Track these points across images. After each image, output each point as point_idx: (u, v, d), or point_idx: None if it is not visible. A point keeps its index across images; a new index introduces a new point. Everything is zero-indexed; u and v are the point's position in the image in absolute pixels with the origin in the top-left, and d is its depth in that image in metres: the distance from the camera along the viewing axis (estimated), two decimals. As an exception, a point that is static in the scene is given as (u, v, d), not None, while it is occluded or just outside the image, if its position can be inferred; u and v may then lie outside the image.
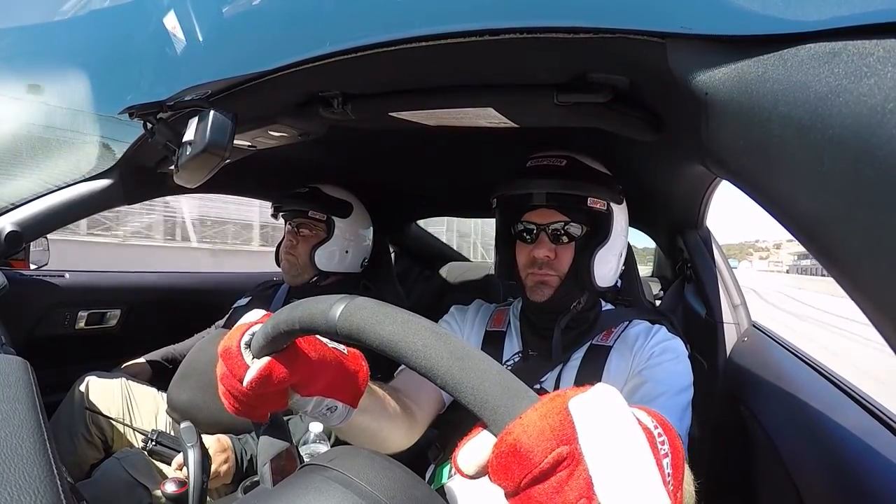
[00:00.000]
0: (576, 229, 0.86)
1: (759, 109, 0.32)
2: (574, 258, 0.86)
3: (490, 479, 0.29)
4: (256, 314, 0.50)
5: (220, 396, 0.48)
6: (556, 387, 0.84)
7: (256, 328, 0.46)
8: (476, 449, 0.30)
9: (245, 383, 0.45)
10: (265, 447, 0.50)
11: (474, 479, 0.31)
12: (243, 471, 1.02)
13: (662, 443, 0.29)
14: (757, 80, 0.32)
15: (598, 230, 0.87)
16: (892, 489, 0.56)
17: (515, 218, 0.89)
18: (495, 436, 0.29)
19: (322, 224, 1.40)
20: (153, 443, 1.01)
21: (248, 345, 0.46)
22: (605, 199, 0.85)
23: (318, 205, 1.39)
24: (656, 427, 0.30)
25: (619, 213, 0.88)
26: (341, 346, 0.54)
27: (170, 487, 0.80)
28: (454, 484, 0.81)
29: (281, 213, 1.45)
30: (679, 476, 0.29)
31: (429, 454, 0.93)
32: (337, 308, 0.37)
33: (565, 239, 0.86)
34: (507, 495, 0.29)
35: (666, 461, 0.28)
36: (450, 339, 0.33)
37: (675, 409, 0.73)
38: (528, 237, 0.87)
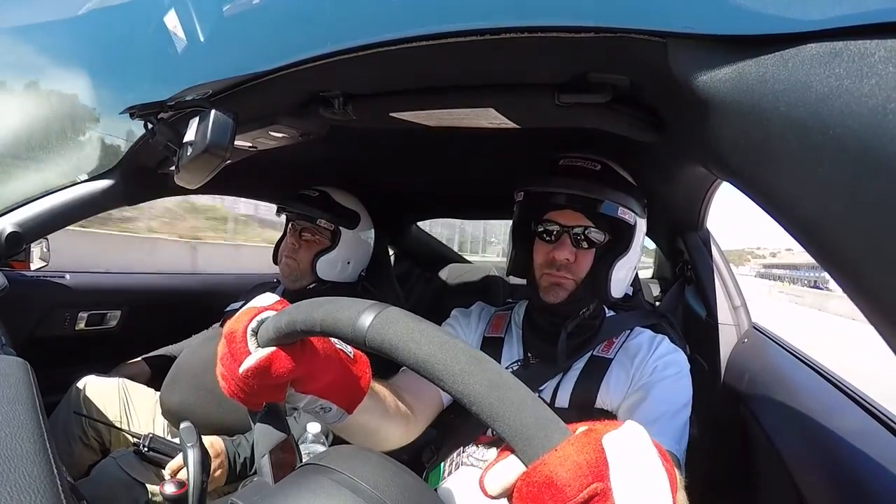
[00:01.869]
0: (598, 235, 0.85)
1: (759, 110, 0.32)
2: (592, 265, 0.85)
3: None
4: (269, 298, 0.48)
5: (217, 377, 0.47)
6: (554, 396, 0.83)
7: (267, 315, 0.45)
8: (504, 473, 0.31)
9: (241, 370, 0.43)
10: (262, 437, 0.49)
11: (495, 499, 0.32)
12: (237, 473, 1.02)
13: None
14: (758, 80, 0.32)
15: (620, 240, 0.86)
16: (891, 489, 0.56)
17: (538, 216, 0.88)
18: (525, 464, 0.30)
19: (328, 232, 1.36)
20: (145, 448, 0.98)
21: (255, 331, 0.45)
22: (633, 210, 0.84)
23: (329, 213, 1.35)
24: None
25: (641, 226, 0.88)
26: (348, 349, 0.53)
27: (169, 489, 0.79)
28: (445, 487, 0.81)
29: (285, 213, 1.41)
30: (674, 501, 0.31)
31: (423, 456, 0.93)
32: (366, 318, 0.36)
33: (586, 244, 0.85)
34: None
35: None
36: (487, 365, 0.33)
37: (675, 432, 0.73)
38: (548, 237, 0.86)
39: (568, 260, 0.84)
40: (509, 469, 0.30)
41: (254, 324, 0.45)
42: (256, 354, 0.43)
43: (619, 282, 0.86)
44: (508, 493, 0.31)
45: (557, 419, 0.31)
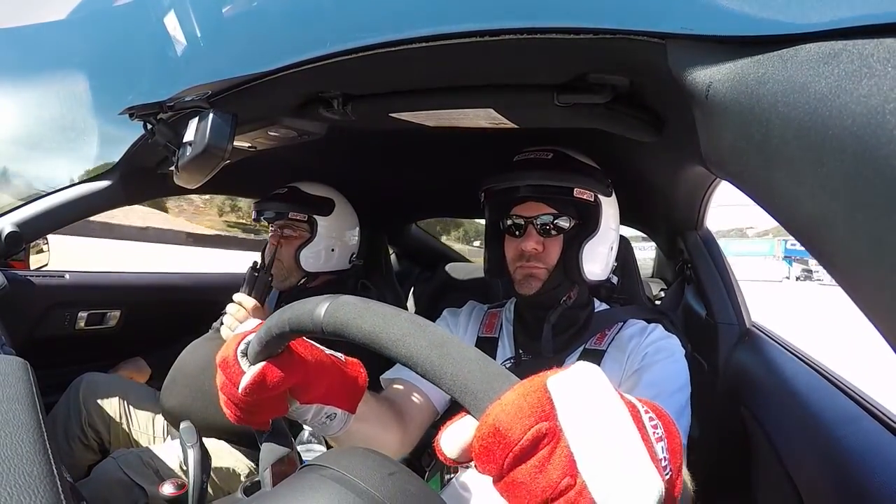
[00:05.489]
0: (564, 222, 0.85)
1: (758, 110, 0.32)
2: (563, 251, 0.86)
3: (476, 467, 0.29)
4: (251, 324, 0.51)
5: (221, 406, 0.49)
6: None
7: (252, 337, 0.47)
8: (458, 432, 0.30)
9: (240, 389, 0.45)
10: (267, 454, 0.50)
11: (458, 463, 0.32)
12: None
13: (655, 426, 0.29)
14: (757, 80, 0.32)
15: (587, 222, 0.86)
16: (891, 490, 0.56)
17: (504, 213, 0.89)
18: (477, 420, 0.29)
19: (304, 224, 1.35)
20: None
21: (245, 353, 0.47)
22: (591, 189, 0.84)
23: (298, 205, 1.34)
24: (647, 412, 0.29)
25: (609, 205, 0.88)
26: (339, 354, 0.55)
27: (168, 489, 0.79)
28: (446, 491, 0.81)
29: (263, 217, 1.39)
30: (677, 462, 0.29)
31: (422, 461, 0.93)
32: (322, 307, 0.39)
33: (553, 232, 0.86)
34: (494, 482, 0.29)
35: (661, 445, 0.28)
36: (427, 328, 0.34)
37: (673, 410, 0.71)
38: (516, 231, 0.87)
39: (536, 249, 0.84)
40: (463, 428, 0.30)
41: (242, 346, 0.47)
42: (250, 371, 0.45)
43: (593, 262, 0.86)
44: (469, 454, 0.30)
45: (505, 371, 0.30)
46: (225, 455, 1.12)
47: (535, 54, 0.51)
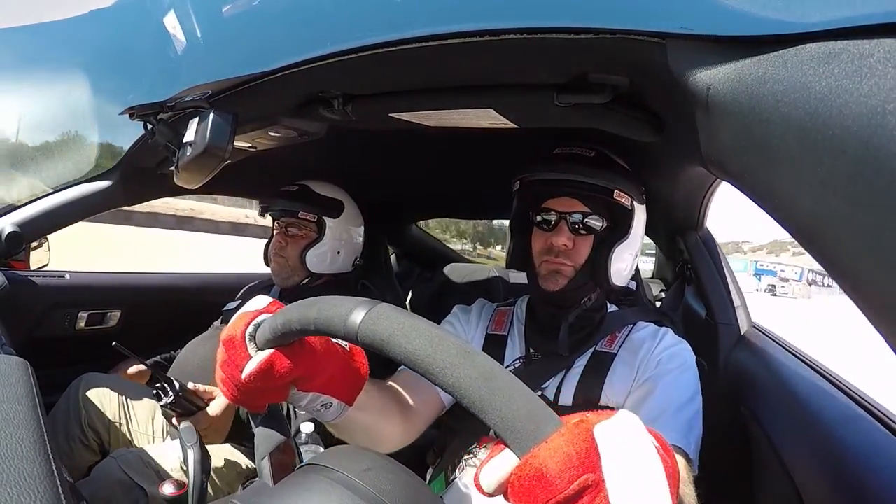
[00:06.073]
0: (596, 222, 0.84)
1: (759, 110, 0.32)
2: (591, 251, 0.85)
3: (508, 499, 0.30)
4: (262, 301, 0.49)
5: (218, 383, 0.47)
6: (557, 394, 0.82)
7: (263, 318, 0.46)
8: (499, 468, 0.30)
9: (244, 375, 0.44)
10: (263, 439, 0.49)
11: (492, 496, 0.32)
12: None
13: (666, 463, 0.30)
14: (757, 80, 0.32)
15: (619, 226, 0.85)
16: (891, 490, 0.56)
17: (536, 205, 0.87)
18: (518, 457, 0.29)
19: (312, 224, 1.33)
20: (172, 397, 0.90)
21: (253, 336, 0.45)
22: (629, 194, 0.83)
23: (309, 205, 1.33)
24: (660, 449, 0.30)
25: (640, 212, 0.87)
26: (343, 343, 0.53)
27: (168, 489, 0.79)
28: (451, 490, 0.80)
29: (269, 213, 1.38)
30: (673, 494, 0.30)
31: (427, 458, 0.93)
32: (358, 314, 0.37)
33: (584, 231, 0.84)
34: None
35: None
36: (476, 358, 0.33)
37: (681, 426, 0.72)
38: (546, 226, 0.85)
39: (566, 246, 0.83)
40: (503, 464, 0.30)
41: (251, 328, 0.46)
42: (257, 357, 0.44)
43: (620, 268, 0.85)
44: (504, 489, 0.30)
45: (549, 411, 0.30)
46: (225, 455, 1.12)
47: (535, 54, 0.51)
